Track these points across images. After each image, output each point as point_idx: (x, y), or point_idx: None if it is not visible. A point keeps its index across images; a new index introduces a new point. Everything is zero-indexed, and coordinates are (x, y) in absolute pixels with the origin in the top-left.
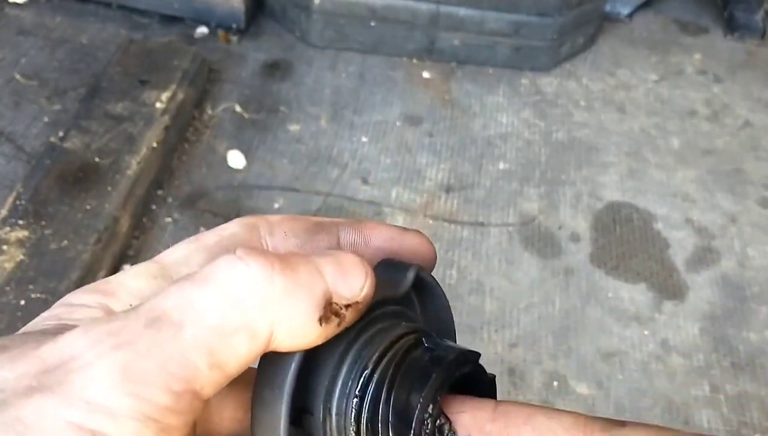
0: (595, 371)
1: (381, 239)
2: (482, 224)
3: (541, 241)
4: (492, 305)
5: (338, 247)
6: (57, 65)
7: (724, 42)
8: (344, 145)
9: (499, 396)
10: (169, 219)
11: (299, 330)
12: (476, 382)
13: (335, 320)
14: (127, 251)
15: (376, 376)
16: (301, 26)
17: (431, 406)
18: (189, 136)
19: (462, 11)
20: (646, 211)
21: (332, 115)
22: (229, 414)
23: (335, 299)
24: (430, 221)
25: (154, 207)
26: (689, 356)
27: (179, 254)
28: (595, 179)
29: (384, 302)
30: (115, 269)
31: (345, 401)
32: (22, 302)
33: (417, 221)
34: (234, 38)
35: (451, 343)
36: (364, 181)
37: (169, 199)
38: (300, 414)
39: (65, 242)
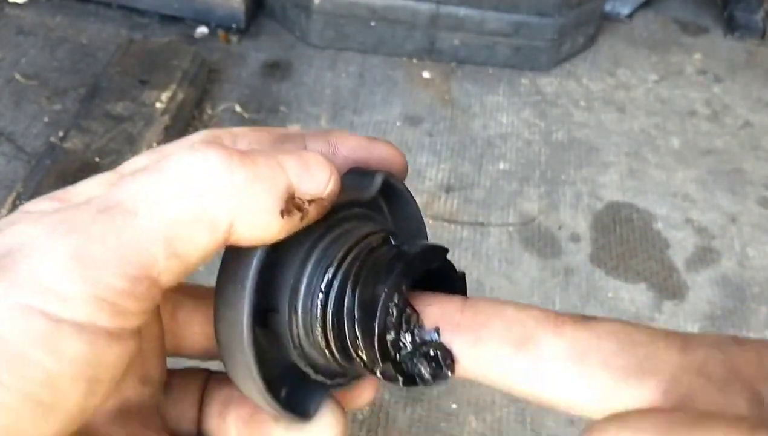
0: None
1: (349, 148)
2: (482, 224)
3: (541, 241)
4: None
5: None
6: (57, 65)
7: (724, 42)
8: None
9: (499, 397)
10: None
11: (260, 223)
12: (447, 280)
13: (297, 215)
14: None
15: (340, 273)
16: (301, 26)
17: (396, 296)
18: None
19: (462, 11)
20: (646, 211)
21: (332, 115)
22: (198, 329)
23: (298, 194)
24: (430, 221)
25: None
26: None
27: (139, 163)
28: (595, 179)
29: (351, 205)
30: None
31: (310, 298)
32: None
33: None
34: (234, 38)
35: (418, 241)
36: None
37: None
38: (265, 314)
39: None
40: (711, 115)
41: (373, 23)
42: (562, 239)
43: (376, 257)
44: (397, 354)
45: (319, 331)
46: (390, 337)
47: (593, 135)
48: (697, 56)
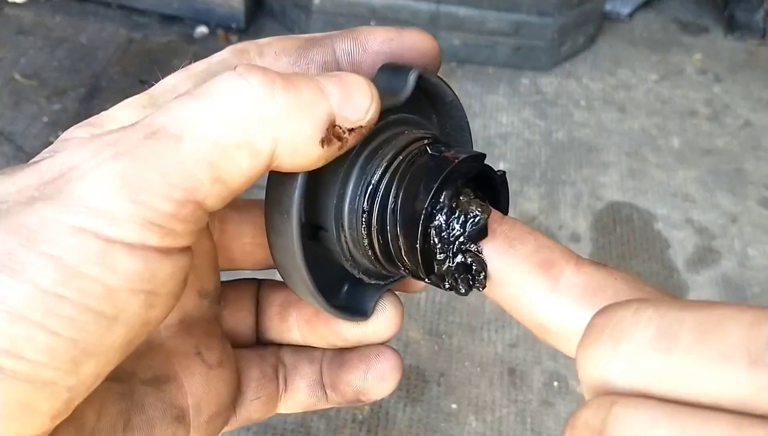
0: None
1: (378, 41)
2: None
3: None
4: (492, 304)
5: (334, 59)
6: (57, 65)
7: (724, 42)
8: None
9: (499, 397)
10: None
11: (301, 150)
12: (488, 179)
13: (337, 144)
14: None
15: (382, 186)
16: (301, 26)
17: (436, 204)
18: None
19: (462, 11)
20: (646, 211)
21: None
22: (250, 239)
23: (339, 122)
24: None
25: None
26: None
27: (168, 84)
28: (595, 179)
29: (387, 112)
30: None
31: (355, 215)
32: None
33: None
34: (234, 38)
35: (456, 147)
36: None
37: None
38: (315, 231)
39: None
40: (711, 115)
41: (373, 22)
42: (563, 239)
43: (415, 169)
44: (439, 265)
45: (366, 244)
46: (432, 245)
47: (593, 135)
48: (698, 56)
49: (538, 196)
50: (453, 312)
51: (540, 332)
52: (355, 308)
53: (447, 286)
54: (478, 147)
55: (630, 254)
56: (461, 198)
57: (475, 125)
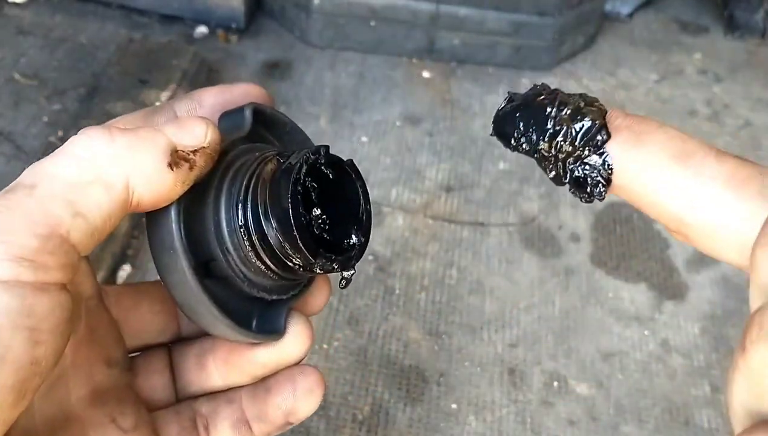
0: (595, 371)
1: (212, 96)
2: (482, 224)
3: (541, 241)
4: (492, 304)
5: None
6: (56, 65)
7: (724, 42)
8: (344, 145)
9: (499, 397)
10: None
11: (154, 177)
12: (340, 169)
13: (186, 165)
14: (127, 250)
15: (249, 202)
16: (300, 26)
17: (297, 197)
18: None
19: (462, 11)
20: None
21: (332, 114)
22: (146, 309)
23: (180, 148)
24: (430, 221)
25: None
26: (689, 356)
27: None
28: None
29: (236, 144)
30: (114, 269)
31: (235, 235)
32: None
33: (417, 221)
34: (233, 38)
35: (302, 149)
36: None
37: None
38: (206, 266)
39: None
40: (711, 115)
41: (372, 23)
42: (563, 239)
43: (273, 177)
44: (561, 161)
45: (255, 260)
46: (313, 233)
47: None
48: (698, 56)
49: (537, 196)
50: (453, 312)
51: (678, 226)
52: (268, 328)
53: (336, 266)
54: (478, 147)
55: (630, 254)
56: (563, 111)
57: (475, 125)
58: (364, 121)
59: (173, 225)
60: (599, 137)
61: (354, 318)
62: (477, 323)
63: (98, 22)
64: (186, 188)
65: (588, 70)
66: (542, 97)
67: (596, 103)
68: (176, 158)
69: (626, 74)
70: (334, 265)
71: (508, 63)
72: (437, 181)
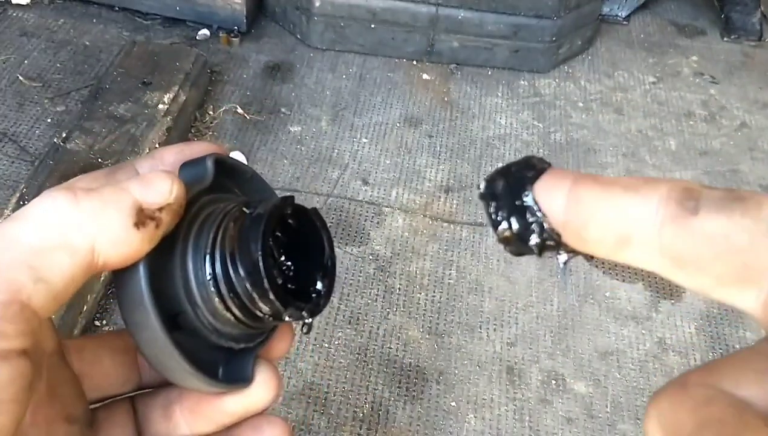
0: (592, 369)
1: (173, 154)
2: (481, 224)
3: None
4: (491, 304)
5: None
6: (60, 67)
7: (720, 44)
8: (344, 147)
9: (498, 395)
10: None
11: (120, 238)
12: (306, 217)
13: (152, 223)
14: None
15: (217, 254)
16: (301, 28)
17: (266, 248)
18: (191, 137)
19: (461, 13)
20: None
21: (333, 116)
22: (109, 362)
23: (146, 206)
24: (430, 221)
25: None
26: (686, 355)
27: None
28: None
29: (200, 197)
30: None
31: (203, 287)
32: None
33: (417, 221)
34: (235, 40)
35: (266, 200)
36: (365, 182)
37: None
38: (175, 318)
39: None
40: (708, 117)
41: (373, 25)
42: None
43: (240, 229)
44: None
45: (223, 312)
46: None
47: (591, 136)
48: (694, 58)
49: None
50: (452, 311)
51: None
52: (235, 377)
53: (306, 314)
54: (477, 148)
55: None
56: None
57: (474, 127)
58: (364, 123)
59: (142, 283)
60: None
61: (354, 317)
62: (476, 322)
63: (101, 24)
64: (153, 246)
65: (585, 72)
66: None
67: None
68: (142, 217)
69: (623, 76)
70: (303, 313)
71: (506, 65)
72: (437, 182)
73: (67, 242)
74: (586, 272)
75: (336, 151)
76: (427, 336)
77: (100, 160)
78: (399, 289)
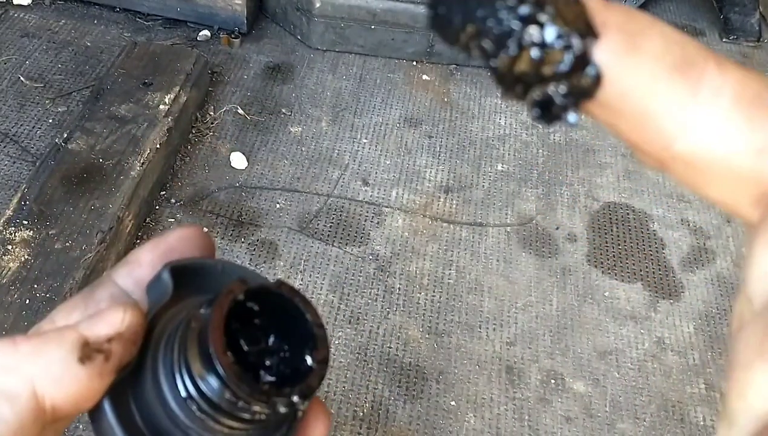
0: (591, 369)
1: (149, 253)
2: (481, 225)
3: (538, 241)
4: (490, 303)
5: (119, 289)
6: (61, 67)
7: (719, 45)
8: (345, 147)
9: (497, 394)
10: (172, 220)
11: (65, 377)
12: (274, 293)
13: (100, 356)
14: (131, 251)
15: (184, 370)
16: (302, 29)
17: (224, 348)
18: (192, 137)
19: None
20: (642, 212)
21: (333, 117)
22: None
23: (92, 339)
24: (429, 222)
25: (157, 208)
26: (684, 355)
27: None
28: (591, 180)
29: (167, 310)
30: None
31: (185, 409)
32: (27, 302)
33: (417, 221)
34: (236, 41)
35: (221, 291)
36: (365, 182)
37: (173, 200)
38: None
39: (70, 242)
40: None
41: (373, 26)
42: (560, 239)
43: (199, 336)
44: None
45: (215, 424)
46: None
47: (590, 137)
48: None
49: (535, 197)
50: (452, 311)
51: (663, 156)
52: None
53: (298, 397)
54: (477, 149)
55: (626, 254)
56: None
57: (474, 127)
58: (364, 123)
59: (111, 420)
60: (583, 45)
61: (355, 317)
62: (475, 322)
63: (102, 25)
64: (109, 379)
65: None
66: None
67: None
68: (88, 351)
69: None
70: (293, 397)
71: None
72: (436, 183)
73: (3, 389)
74: (584, 272)
75: (336, 151)
76: (427, 336)
77: (101, 160)
78: (399, 289)
